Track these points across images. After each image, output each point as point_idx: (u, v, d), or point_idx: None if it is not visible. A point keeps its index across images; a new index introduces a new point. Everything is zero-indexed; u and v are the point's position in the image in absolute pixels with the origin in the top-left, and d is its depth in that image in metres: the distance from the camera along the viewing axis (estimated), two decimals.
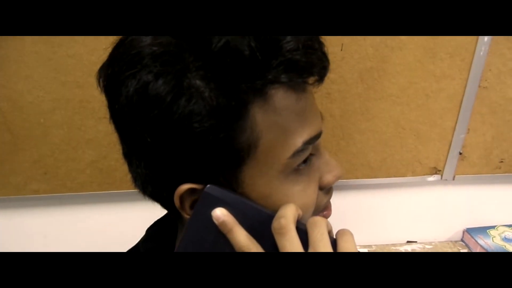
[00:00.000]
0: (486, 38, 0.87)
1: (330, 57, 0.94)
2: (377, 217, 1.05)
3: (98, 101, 0.82)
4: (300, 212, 0.39)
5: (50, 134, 0.83)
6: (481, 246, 1.00)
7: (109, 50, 0.42)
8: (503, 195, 1.07)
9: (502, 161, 1.01)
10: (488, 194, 1.07)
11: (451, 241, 1.09)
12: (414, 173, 0.99)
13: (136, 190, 0.95)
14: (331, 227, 0.39)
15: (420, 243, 1.07)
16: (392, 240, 1.07)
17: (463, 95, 0.92)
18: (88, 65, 0.79)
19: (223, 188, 0.39)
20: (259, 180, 0.39)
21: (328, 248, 0.37)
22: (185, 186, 0.39)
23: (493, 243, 1.01)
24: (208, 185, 0.38)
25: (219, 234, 0.39)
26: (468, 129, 0.96)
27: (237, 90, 0.35)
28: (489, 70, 0.91)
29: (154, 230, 0.56)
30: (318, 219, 0.39)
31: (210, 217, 0.39)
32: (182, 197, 0.40)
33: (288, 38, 0.35)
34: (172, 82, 0.35)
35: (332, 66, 0.93)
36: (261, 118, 0.37)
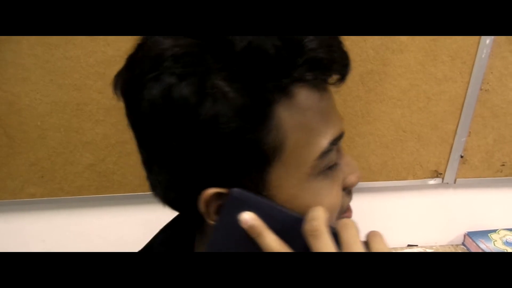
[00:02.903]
0: (487, 40, 0.87)
1: None
2: (378, 221, 1.04)
3: (96, 103, 0.81)
4: (328, 214, 0.39)
5: (47, 137, 0.82)
6: (482, 250, 1.00)
7: (124, 56, 0.42)
8: (505, 199, 1.07)
9: (503, 165, 1.00)
10: (489, 198, 1.06)
11: (452, 245, 1.08)
12: (415, 176, 0.99)
13: (133, 194, 0.94)
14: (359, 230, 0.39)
15: (421, 246, 1.07)
16: (393, 243, 1.06)
17: (464, 98, 0.92)
18: (86, 67, 0.79)
19: (250, 192, 0.38)
20: (285, 182, 0.39)
21: (362, 250, 0.36)
22: (211, 191, 0.38)
23: (494, 247, 1.00)
24: (235, 189, 0.38)
25: (247, 238, 0.38)
26: (470, 132, 0.95)
27: (262, 90, 0.35)
28: (490, 73, 0.91)
29: (168, 234, 0.55)
30: (349, 221, 0.38)
31: (237, 221, 0.38)
32: (207, 202, 0.39)
33: (310, 37, 0.35)
34: (196, 84, 0.34)
35: None
36: (286, 118, 0.36)
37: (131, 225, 0.94)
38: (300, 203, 0.40)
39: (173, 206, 0.43)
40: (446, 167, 0.99)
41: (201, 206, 0.39)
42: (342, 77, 0.39)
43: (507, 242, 1.02)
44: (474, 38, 0.87)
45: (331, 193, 0.41)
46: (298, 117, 0.37)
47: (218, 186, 0.38)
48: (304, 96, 0.37)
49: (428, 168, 0.98)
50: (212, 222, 0.40)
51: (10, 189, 0.85)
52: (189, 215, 0.44)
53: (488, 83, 0.91)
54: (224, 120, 0.35)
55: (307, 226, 0.37)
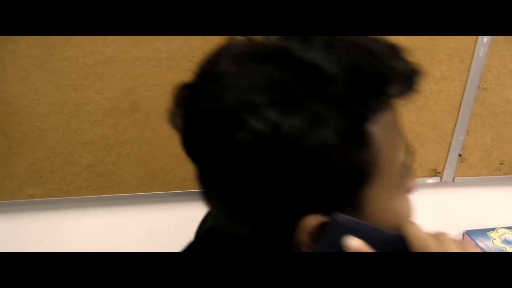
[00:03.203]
0: (485, 39, 0.87)
1: None
2: None
3: (94, 104, 0.81)
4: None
5: (46, 137, 0.82)
6: (481, 248, 1.00)
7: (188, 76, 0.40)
8: (503, 197, 1.07)
9: (502, 163, 1.01)
10: (488, 196, 1.06)
11: None
12: (414, 175, 0.99)
13: (132, 194, 0.94)
14: None
15: None
16: None
17: (462, 97, 0.92)
18: (84, 67, 0.79)
19: (348, 215, 0.38)
20: (379, 198, 0.39)
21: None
22: (313, 219, 0.37)
23: (493, 245, 1.00)
24: (338, 214, 0.37)
25: None
26: (468, 130, 0.96)
27: (360, 109, 0.35)
28: (488, 72, 0.91)
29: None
30: (443, 233, 0.41)
31: (340, 246, 0.38)
32: (309, 231, 0.38)
33: (391, 51, 0.36)
34: (299, 114, 0.33)
35: None
36: (379, 134, 0.36)
37: (130, 225, 0.94)
38: (391, 216, 0.40)
39: (251, 235, 0.41)
40: (444, 166, 0.99)
41: (302, 235, 0.38)
42: (415, 90, 0.39)
43: (506, 240, 1.02)
44: (472, 37, 0.87)
45: (408, 202, 0.43)
46: (386, 132, 0.37)
47: (317, 213, 0.37)
48: (388, 112, 0.37)
49: (427, 167, 0.99)
50: (306, 249, 0.39)
51: (9, 190, 0.85)
52: (266, 241, 0.41)
53: (486, 81, 0.91)
54: (331, 146, 0.34)
55: (417, 242, 0.39)
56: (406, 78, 0.36)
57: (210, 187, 0.40)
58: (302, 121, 0.33)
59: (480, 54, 0.88)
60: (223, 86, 0.35)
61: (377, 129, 0.36)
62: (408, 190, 0.44)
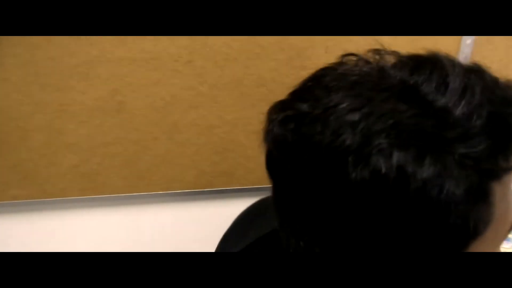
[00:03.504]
0: (468, 41, 0.88)
1: (315, 60, 0.94)
2: None
3: (79, 104, 0.81)
4: None
5: (30, 138, 0.81)
6: None
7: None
8: None
9: None
10: None
11: None
12: None
13: (118, 195, 0.93)
14: None
15: None
16: None
17: None
18: (69, 68, 0.78)
19: None
20: (481, 251, 0.37)
21: None
22: None
23: None
24: None
25: None
26: None
27: (494, 167, 0.33)
28: None
29: None
30: None
31: None
32: None
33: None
34: (433, 164, 0.31)
35: (317, 68, 0.93)
36: (497, 191, 0.34)
37: (115, 226, 0.93)
38: None
39: None
40: None
41: None
42: None
43: None
44: (456, 38, 0.88)
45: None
46: (503, 189, 0.35)
47: None
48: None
49: None
50: None
51: None
52: None
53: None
54: (454, 202, 0.32)
55: None
56: None
57: (294, 212, 0.38)
58: (432, 172, 0.31)
59: (464, 56, 0.89)
60: (345, 121, 0.33)
61: (499, 186, 0.34)
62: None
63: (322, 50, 0.84)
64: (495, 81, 0.34)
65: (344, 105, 0.33)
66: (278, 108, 0.37)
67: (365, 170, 0.32)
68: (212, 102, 0.85)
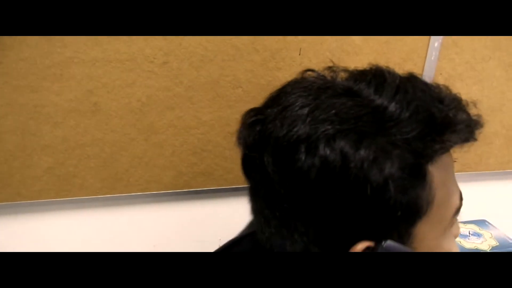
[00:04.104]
0: (436, 43, 0.92)
1: (290, 62, 0.96)
2: None
3: (54, 106, 0.80)
4: None
5: (3, 140, 0.80)
6: None
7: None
8: None
9: (454, 161, 1.06)
10: None
11: None
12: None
13: (95, 197, 0.93)
14: None
15: None
16: None
17: None
18: (42, 69, 0.77)
19: (397, 243, 0.40)
20: (428, 235, 0.42)
21: None
22: (362, 245, 0.40)
23: None
24: (388, 241, 0.40)
25: None
26: None
27: (424, 149, 0.38)
28: (440, 74, 0.96)
29: None
30: None
31: None
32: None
33: (456, 104, 0.41)
34: (371, 148, 0.37)
35: (292, 70, 0.95)
36: (436, 175, 0.40)
37: (92, 228, 0.93)
38: None
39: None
40: None
41: None
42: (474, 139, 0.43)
43: (461, 234, 1.08)
44: (424, 41, 0.92)
45: (455, 246, 0.46)
46: (443, 175, 0.41)
47: (367, 240, 0.40)
48: (446, 156, 0.42)
49: None
50: None
51: None
52: None
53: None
54: (392, 179, 0.37)
55: None
56: (468, 128, 0.41)
57: (266, 204, 0.42)
58: (369, 153, 0.37)
59: (432, 58, 0.93)
60: (297, 115, 0.39)
61: (436, 170, 0.40)
62: (455, 234, 0.47)
63: (296, 52, 0.86)
64: (425, 84, 0.42)
65: (297, 103, 0.40)
66: (248, 114, 0.44)
67: (315, 157, 0.37)
68: (189, 103, 0.85)
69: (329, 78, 0.45)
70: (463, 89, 1.00)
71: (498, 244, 0.99)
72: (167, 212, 0.95)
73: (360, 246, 0.40)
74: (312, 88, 0.41)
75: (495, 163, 1.09)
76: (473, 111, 0.43)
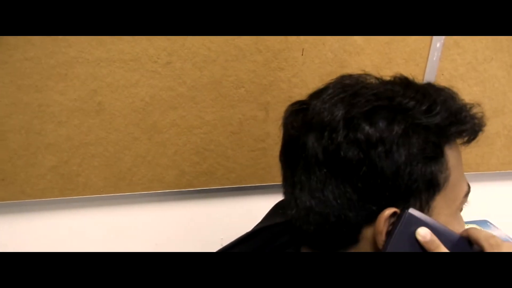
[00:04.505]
0: (438, 44, 0.92)
1: (292, 62, 0.96)
2: None
3: (58, 105, 0.81)
4: None
5: (7, 139, 0.81)
6: None
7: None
8: None
9: None
10: None
11: None
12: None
13: (98, 195, 0.93)
14: None
15: None
16: None
17: None
18: (47, 68, 0.78)
19: (419, 212, 0.46)
20: (443, 210, 0.48)
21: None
22: (391, 210, 0.45)
23: None
24: (411, 208, 0.45)
25: (421, 251, 0.46)
26: None
27: (444, 133, 0.46)
28: (442, 75, 0.96)
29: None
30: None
31: (412, 235, 0.46)
32: (385, 220, 0.45)
33: (469, 109, 0.49)
34: (400, 123, 0.44)
35: (294, 70, 0.95)
36: (452, 158, 0.47)
37: (95, 226, 0.93)
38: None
39: (337, 227, 0.48)
40: None
41: (380, 224, 0.45)
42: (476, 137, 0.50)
43: None
44: (426, 41, 0.92)
45: (464, 227, 0.51)
46: (456, 159, 0.48)
47: (395, 207, 0.45)
48: (457, 143, 0.49)
49: None
50: (381, 241, 0.46)
51: None
52: (343, 238, 0.49)
53: (440, 84, 0.97)
54: (419, 153, 0.44)
55: (491, 240, 0.46)
56: (477, 127, 0.48)
57: (303, 171, 0.48)
58: (400, 128, 0.44)
59: (434, 58, 0.93)
60: (336, 101, 0.47)
61: (451, 153, 0.47)
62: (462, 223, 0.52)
63: (299, 52, 0.87)
64: (451, 93, 0.50)
65: (336, 95, 0.47)
66: (294, 104, 0.52)
67: (354, 131, 0.44)
68: (192, 103, 0.86)
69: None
70: (465, 89, 1.00)
71: None
72: (169, 211, 0.96)
73: (387, 212, 0.45)
74: (350, 85, 0.48)
75: (497, 164, 1.10)
76: (477, 110, 0.50)
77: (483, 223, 1.09)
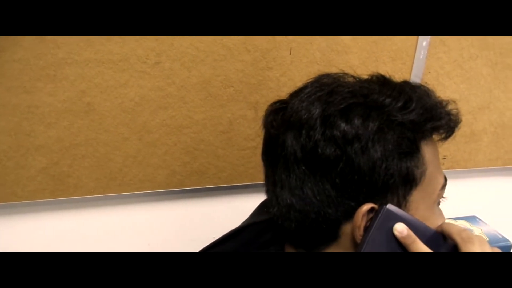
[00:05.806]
0: (424, 42, 0.93)
1: (280, 61, 0.97)
2: None
3: (47, 106, 0.81)
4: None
5: None
6: None
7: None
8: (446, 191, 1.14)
9: (444, 158, 1.08)
10: None
11: None
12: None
13: (89, 196, 0.93)
14: None
15: None
16: None
17: None
18: (36, 69, 0.78)
19: (396, 207, 0.46)
20: (420, 205, 0.49)
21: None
22: (368, 206, 0.46)
23: None
24: (389, 204, 0.46)
25: (398, 246, 0.47)
26: None
27: (419, 129, 0.47)
28: (428, 73, 0.97)
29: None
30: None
31: (390, 230, 0.47)
32: (363, 215, 0.46)
33: (445, 106, 0.50)
34: (375, 120, 0.45)
35: (283, 69, 0.96)
36: (427, 153, 0.48)
37: (86, 227, 0.93)
38: (428, 225, 0.50)
39: (317, 223, 0.48)
40: None
41: (358, 219, 0.47)
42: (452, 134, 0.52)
43: None
44: (412, 40, 0.93)
45: (442, 219, 0.53)
46: (431, 155, 0.49)
47: (373, 202, 0.46)
48: (433, 139, 0.50)
49: None
50: (359, 236, 0.47)
51: None
52: (322, 235, 0.50)
53: (426, 82, 0.97)
54: (395, 149, 0.45)
55: (463, 234, 0.48)
56: (452, 123, 0.50)
57: (284, 170, 0.49)
58: (375, 125, 0.45)
59: (420, 57, 0.94)
60: (313, 99, 0.48)
61: (427, 149, 0.48)
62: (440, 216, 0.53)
63: (286, 52, 0.87)
64: (426, 90, 0.51)
65: (313, 94, 0.48)
66: (274, 104, 0.53)
67: (330, 128, 0.45)
68: (181, 103, 0.86)
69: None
70: (451, 87, 1.01)
71: (488, 239, 1.01)
72: (161, 211, 0.96)
73: (365, 207, 0.46)
74: (327, 83, 0.50)
75: (484, 160, 1.11)
76: (452, 106, 0.52)
77: (472, 218, 1.10)
